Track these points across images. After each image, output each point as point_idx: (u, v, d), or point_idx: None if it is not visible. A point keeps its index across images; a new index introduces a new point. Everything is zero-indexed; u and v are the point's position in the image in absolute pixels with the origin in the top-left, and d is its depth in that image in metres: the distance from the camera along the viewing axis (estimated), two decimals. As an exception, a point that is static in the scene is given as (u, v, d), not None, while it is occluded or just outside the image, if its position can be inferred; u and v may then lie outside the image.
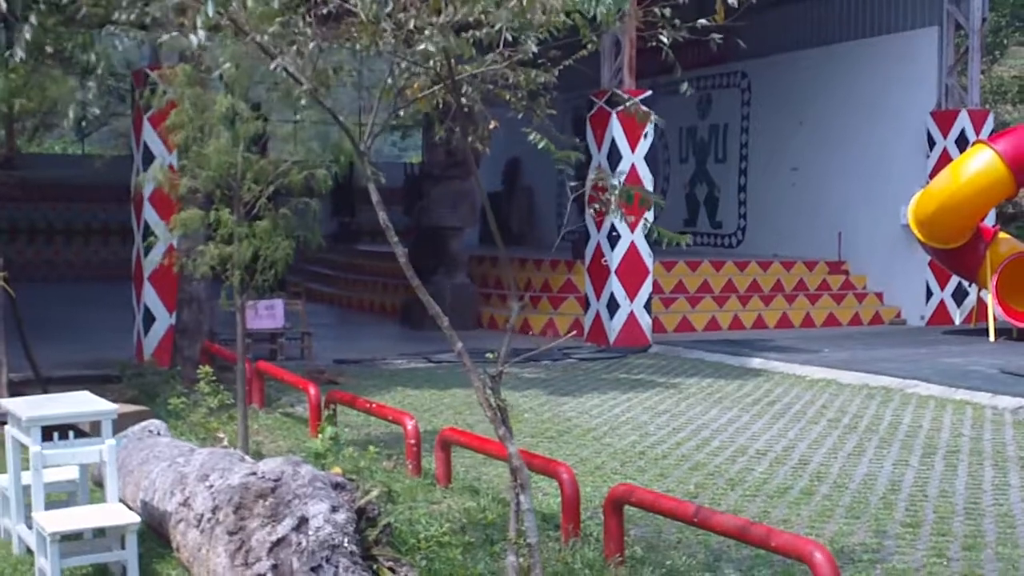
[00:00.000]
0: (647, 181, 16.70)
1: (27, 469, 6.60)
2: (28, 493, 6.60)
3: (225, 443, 7.27)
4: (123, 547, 6.09)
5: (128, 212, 14.46)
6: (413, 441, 8.19)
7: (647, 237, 16.32)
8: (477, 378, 5.31)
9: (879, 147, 19.58)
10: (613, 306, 16.26)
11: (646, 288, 16.50)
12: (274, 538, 5.60)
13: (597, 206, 5.60)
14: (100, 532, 6.26)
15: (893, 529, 6.96)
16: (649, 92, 16.98)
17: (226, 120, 8.05)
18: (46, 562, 5.97)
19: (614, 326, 16.22)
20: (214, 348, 12.32)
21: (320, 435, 6.90)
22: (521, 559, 5.28)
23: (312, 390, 9.71)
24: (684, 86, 6.50)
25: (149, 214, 13.58)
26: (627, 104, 5.92)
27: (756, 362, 14.26)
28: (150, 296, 13.68)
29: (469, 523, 6.78)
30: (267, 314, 14.47)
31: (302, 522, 5.60)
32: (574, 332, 15.06)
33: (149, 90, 8.91)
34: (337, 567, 5.29)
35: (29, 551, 6.49)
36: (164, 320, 13.64)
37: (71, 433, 6.33)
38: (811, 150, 21.01)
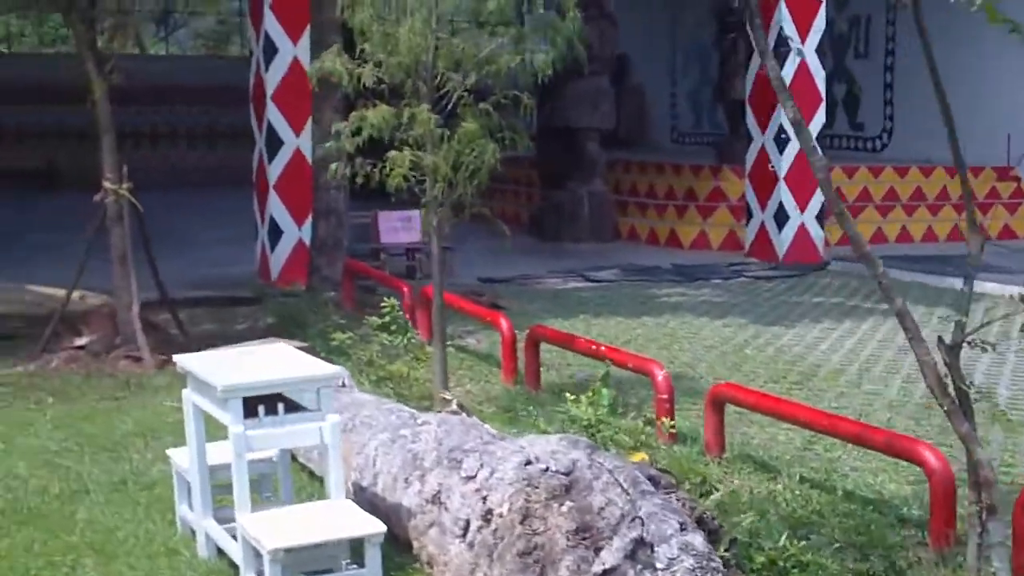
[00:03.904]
0: (819, 77, 14.72)
1: (210, 441, 5.02)
2: (214, 475, 5.01)
3: (454, 406, 5.58)
4: (361, 564, 4.45)
5: (232, 115, 12.78)
6: (665, 396, 6.46)
7: None
8: (925, 352, 3.57)
9: (1061, 35, 17.28)
10: (782, 217, 14.40)
11: (818, 197, 14.59)
12: (599, 569, 3.94)
13: None
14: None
15: None
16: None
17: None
18: (264, 583, 4.36)
19: (783, 240, 14.39)
20: (360, 267, 10.66)
21: (593, 400, 5.17)
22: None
23: (504, 323, 8.03)
24: None
25: (273, 115, 11.84)
26: None
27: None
28: (276, 207, 11.99)
29: (794, 519, 5.09)
30: (403, 227, 12.79)
31: (639, 546, 3.93)
32: None
33: None
34: (714, 622, 3.61)
35: (220, 552, 4.92)
36: (292, 234, 11.98)
37: (280, 406, 4.65)
38: (972, 40, 18.66)
